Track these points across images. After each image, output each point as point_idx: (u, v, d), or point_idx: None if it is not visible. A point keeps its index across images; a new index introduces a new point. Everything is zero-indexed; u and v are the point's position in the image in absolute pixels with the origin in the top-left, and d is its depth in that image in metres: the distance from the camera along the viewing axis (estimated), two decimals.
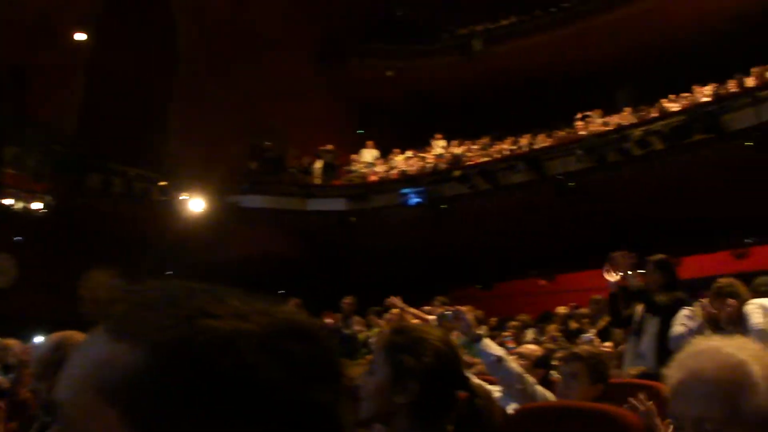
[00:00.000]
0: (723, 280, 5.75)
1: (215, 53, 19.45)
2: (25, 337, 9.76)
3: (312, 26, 21.49)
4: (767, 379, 1.52)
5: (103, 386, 0.69)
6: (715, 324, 5.09)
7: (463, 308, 4.33)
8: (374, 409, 2.23)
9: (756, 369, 1.53)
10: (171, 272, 15.92)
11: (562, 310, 11.33)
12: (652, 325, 5.81)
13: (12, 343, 7.46)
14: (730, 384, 1.51)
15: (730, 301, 5.30)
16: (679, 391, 1.58)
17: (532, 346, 5.11)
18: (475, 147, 20.03)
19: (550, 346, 6.02)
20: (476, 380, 4.30)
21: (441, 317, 4.31)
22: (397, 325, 2.48)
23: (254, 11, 19.73)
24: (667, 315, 5.67)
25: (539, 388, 4.12)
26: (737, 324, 5.31)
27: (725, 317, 5.24)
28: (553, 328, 10.15)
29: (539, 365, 4.65)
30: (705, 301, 5.74)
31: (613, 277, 6.07)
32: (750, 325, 5.54)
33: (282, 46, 20.52)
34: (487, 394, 2.24)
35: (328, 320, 11.09)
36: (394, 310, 8.69)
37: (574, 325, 10.29)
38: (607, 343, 7.66)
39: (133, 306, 0.74)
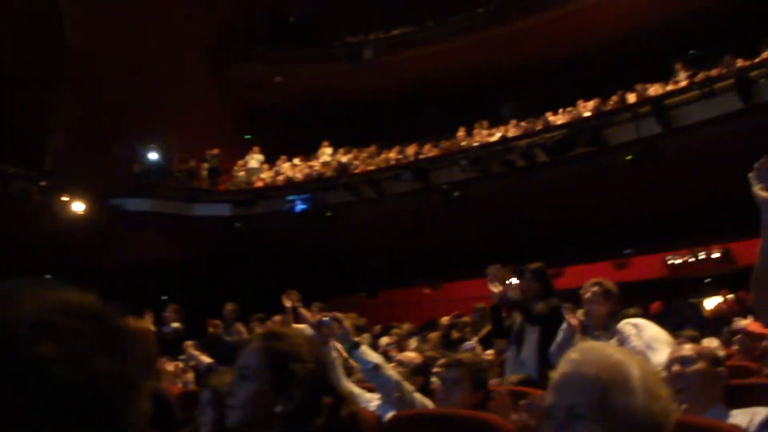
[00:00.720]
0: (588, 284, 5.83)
1: (103, 50, 18.94)
2: None
3: (204, 28, 21.18)
4: (644, 383, 1.55)
5: None
6: (584, 330, 5.18)
7: (340, 315, 4.32)
8: (247, 417, 2.16)
9: (635, 371, 1.57)
10: (49, 276, 15.44)
11: (445, 320, 11.39)
12: (532, 334, 5.90)
13: None
14: (607, 378, 1.55)
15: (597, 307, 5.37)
16: (559, 383, 1.61)
17: (411, 354, 5.11)
18: (362, 155, 20.09)
19: (430, 354, 6.03)
20: (349, 386, 4.31)
21: (319, 324, 4.28)
22: (271, 330, 2.42)
23: (146, 8, 19.30)
24: (545, 324, 5.77)
25: (418, 396, 4.13)
26: (606, 329, 5.40)
27: (594, 323, 5.33)
28: (435, 337, 10.20)
29: (418, 373, 4.64)
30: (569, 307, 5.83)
31: (496, 287, 6.13)
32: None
33: (172, 47, 20.15)
34: (354, 400, 2.21)
35: (211, 327, 10.92)
36: (276, 318, 8.64)
37: (456, 333, 10.35)
38: (488, 351, 7.75)
39: None
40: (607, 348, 1.69)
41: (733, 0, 16.93)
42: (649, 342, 5.79)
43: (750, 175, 2.12)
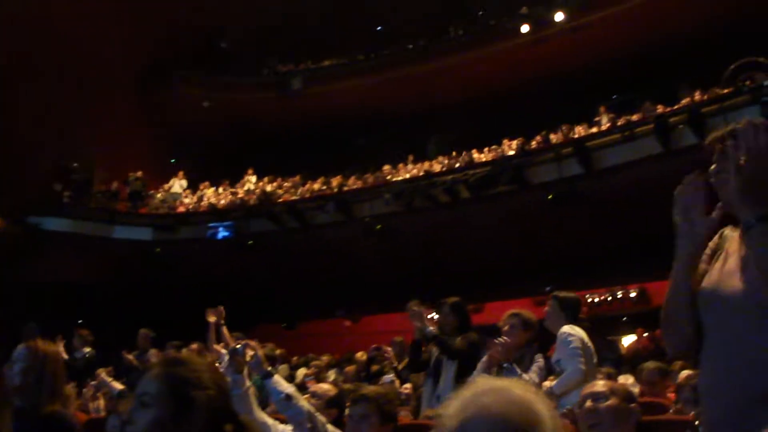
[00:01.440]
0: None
1: (27, 62, 18.54)
2: None
3: (134, 49, 20.91)
4: (552, 419, 1.52)
5: None
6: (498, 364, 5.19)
7: (254, 343, 4.26)
8: None
9: (544, 412, 1.52)
10: None
11: (360, 354, 11.29)
12: (449, 368, 5.89)
13: None
14: (519, 420, 1.48)
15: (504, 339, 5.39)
16: (467, 428, 1.51)
17: (325, 386, 5.04)
18: (287, 184, 20.03)
19: (345, 386, 5.98)
20: (263, 416, 4.24)
21: (232, 352, 4.21)
22: (172, 356, 2.34)
23: (75, 25, 18.96)
24: (463, 358, 5.77)
25: (330, 428, 4.08)
26: (521, 360, 5.44)
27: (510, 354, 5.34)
28: (352, 370, 10.15)
29: (332, 405, 4.60)
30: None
31: (418, 322, 6.13)
32: (568, 342, 5.59)
33: (99, 68, 19.86)
34: (256, 429, 2.15)
35: (127, 355, 10.70)
36: (194, 345, 8.52)
37: (375, 367, 10.32)
38: (406, 385, 7.74)
39: None
40: (509, 387, 1.56)
41: (656, 48, 17.40)
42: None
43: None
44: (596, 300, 16.82)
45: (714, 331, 2.17)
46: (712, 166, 2.24)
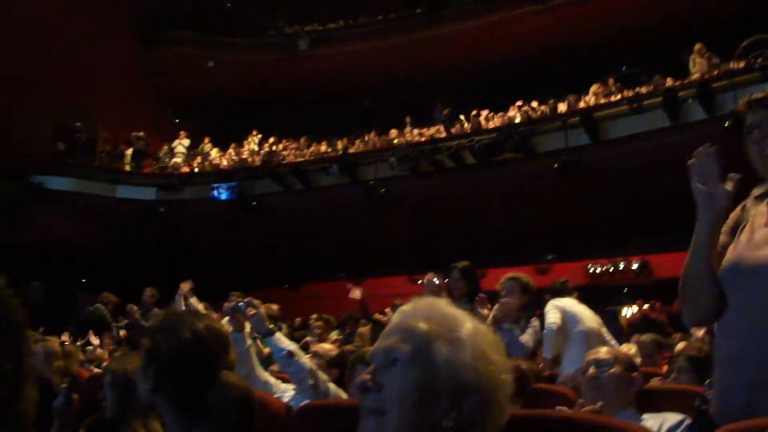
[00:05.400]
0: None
1: (24, 22, 18.42)
2: None
3: (134, 8, 20.82)
4: (473, 341, 1.53)
5: None
6: (494, 322, 5.25)
7: (256, 301, 4.25)
8: (141, 397, 2.15)
9: (466, 327, 1.56)
10: None
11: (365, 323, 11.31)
12: None
13: None
14: (431, 328, 1.53)
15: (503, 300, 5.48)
16: (386, 331, 1.60)
17: (327, 346, 5.06)
18: (292, 146, 19.97)
19: (346, 347, 5.99)
20: (265, 375, 4.25)
21: (234, 309, 4.20)
22: (161, 312, 2.36)
23: None
24: None
25: (332, 386, 4.09)
26: (517, 321, 5.54)
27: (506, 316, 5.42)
28: (365, 330, 10.17)
29: (334, 365, 4.60)
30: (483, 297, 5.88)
31: (432, 293, 6.13)
32: (546, 324, 5.89)
33: (101, 26, 19.75)
34: (247, 388, 2.14)
35: (130, 313, 10.75)
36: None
37: (379, 330, 10.35)
38: None
39: None
40: (442, 303, 1.64)
41: (666, 20, 17.26)
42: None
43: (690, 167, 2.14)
44: (598, 270, 16.84)
45: (740, 303, 2.14)
46: (754, 131, 2.20)
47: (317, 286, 19.64)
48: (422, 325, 1.54)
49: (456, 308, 1.64)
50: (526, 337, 5.46)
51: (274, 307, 8.88)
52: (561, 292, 6.79)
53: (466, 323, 1.57)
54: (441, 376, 1.48)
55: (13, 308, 0.74)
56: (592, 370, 3.25)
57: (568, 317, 6.25)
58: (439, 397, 1.47)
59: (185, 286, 8.85)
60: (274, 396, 3.79)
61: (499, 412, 1.52)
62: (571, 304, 6.48)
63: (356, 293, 7.80)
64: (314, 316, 10.76)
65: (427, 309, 1.60)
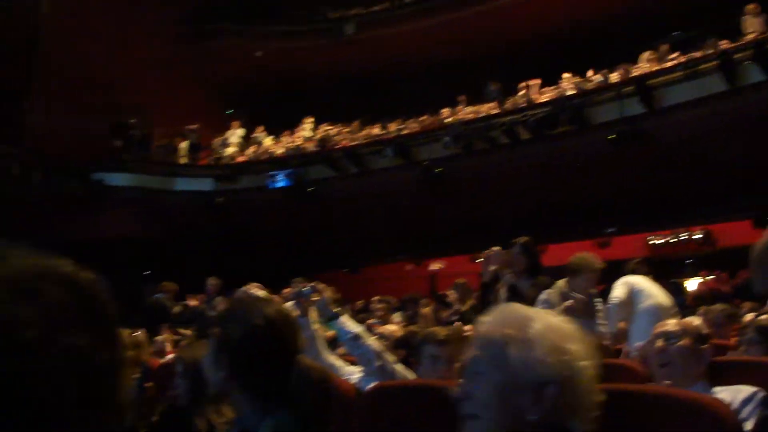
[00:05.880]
0: (573, 257, 5.90)
1: (77, 25, 18.75)
2: None
3: (180, 3, 21.02)
4: (544, 337, 1.65)
5: None
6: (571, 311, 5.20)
7: (321, 285, 4.28)
8: (211, 385, 2.20)
9: (536, 327, 1.68)
10: None
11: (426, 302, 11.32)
12: None
13: None
14: (505, 334, 1.67)
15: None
16: (471, 341, 1.78)
17: (392, 327, 5.09)
18: (345, 130, 19.99)
19: (412, 328, 6.00)
20: (331, 359, 4.27)
21: (298, 294, 4.23)
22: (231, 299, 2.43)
23: None
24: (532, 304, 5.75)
25: (399, 367, 4.10)
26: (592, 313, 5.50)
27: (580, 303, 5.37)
28: (428, 311, 10.18)
29: (400, 346, 4.62)
30: (562, 282, 5.83)
31: (492, 267, 6.12)
32: (609, 299, 5.86)
33: (149, 22, 20.01)
34: (323, 371, 2.17)
35: (193, 302, 10.90)
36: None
37: (444, 310, 10.37)
38: (467, 327, 7.74)
39: None
40: (516, 307, 1.81)
41: None
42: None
43: None
44: (659, 242, 16.65)
45: None
46: None
47: (376, 268, 19.71)
48: (496, 332, 1.69)
49: (529, 309, 1.80)
50: (603, 329, 5.46)
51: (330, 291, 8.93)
52: (635, 272, 6.72)
53: (536, 322, 1.69)
54: (518, 375, 1.62)
55: (106, 300, 0.76)
56: (660, 342, 3.21)
57: (635, 292, 6.18)
58: (520, 395, 1.61)
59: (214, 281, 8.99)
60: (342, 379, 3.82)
61: (583, 395, 1.63)
62: (640, 280, 6.40)
63: (436, 265, 7.87)
64: (375, 298, 10.80)
65: (501, 315, 1.76)
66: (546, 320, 1.71)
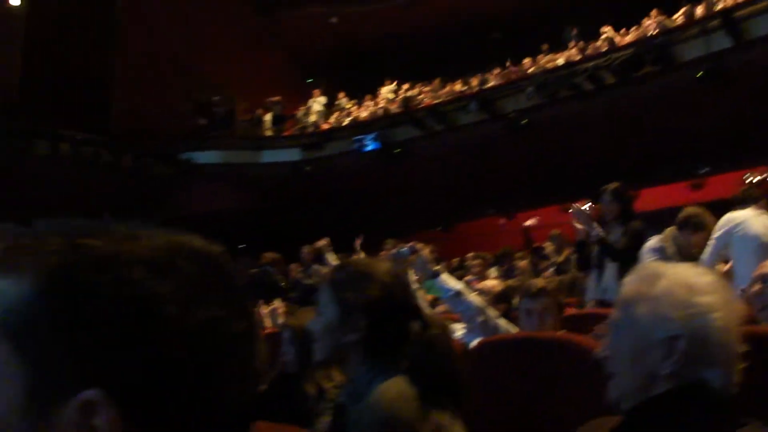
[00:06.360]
0: (690, 209, 5.74)
1: (154, 7, 19.07)
2: None
3: None
4: (668, 293, 1.66)
5: None
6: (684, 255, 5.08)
7: (419, 245, 4.26)
8: (326, 349, 2.19)
9: (662, 283, 1.69)
10: None
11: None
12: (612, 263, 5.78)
13: None
14: (634, 291, 1.72)
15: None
16: (627, 311, 1.73)
17: (491, 282, 5.06)
18: (426, 89, 19.89)
19: (510, 282, 5.97)
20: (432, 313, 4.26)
21: (396, 255, 4.23)
22: (340, 262, 2.42)
23: None
24: (627, 257, 5.62)
25: (502, 321, 4.07)
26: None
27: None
28: (525, 264, 10.13)
29: (500, 300, 4.59)
30: (671, 230, 5.70)
31: (580, 225, 6.00)
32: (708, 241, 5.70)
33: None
34: (443, 326, 2.17)
35: (294, 270, 11.03)
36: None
37: (542, 262, 10.32)
38: (563, 277, 7.68)
39: (15, 242, 0.72)
40: (652, 265, 1.82)
41: None
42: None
43: None
44: (756, 179, 16.17)
45: None
46: None
47: (468, 225, 19.67)
48: (629, 291, 1.74)
49: (660, 265, 1.80)
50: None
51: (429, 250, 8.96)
52: (744, 202, 6.38)
53: (664, 279, 1.69)
54: (648, 332, 1.64)
55: (234, 273, 0.79)
56: (757, 286, 3.12)
57: (736, 228, 5.92)
58: (651, 351, 1.64)
59: (323, 243, 9.18)
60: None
61: (717, 346, 1.62)
62: (742, 215, 6.07)
63: (532, 221, 7.82)
64: (470, 254, 10.78)
65: (636, 274, 1.78)
66: (675, 275, 1.70)
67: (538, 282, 4.08)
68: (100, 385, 0.65)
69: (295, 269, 10.90)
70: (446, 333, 2.17)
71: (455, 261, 12.32)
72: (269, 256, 10.86)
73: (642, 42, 15.85)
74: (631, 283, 1.75)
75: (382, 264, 2.24)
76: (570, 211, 6.11)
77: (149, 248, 0.72)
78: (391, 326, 2.12)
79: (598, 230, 5.87)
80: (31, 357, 0.66)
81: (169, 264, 0.72)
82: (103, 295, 0.67)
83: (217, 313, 0.73)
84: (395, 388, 1.98)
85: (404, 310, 2.16)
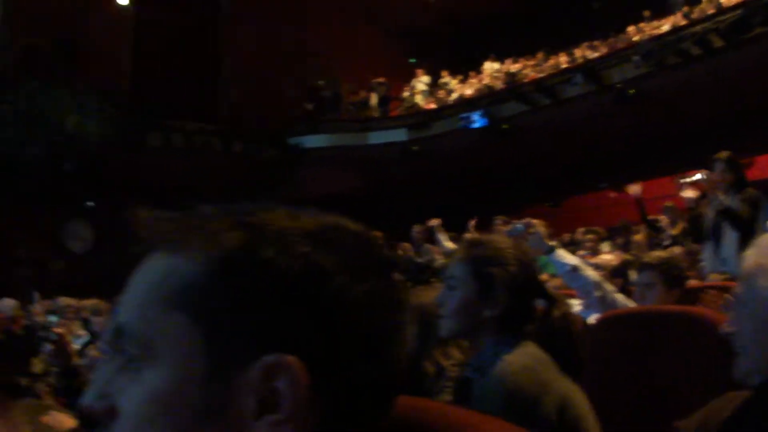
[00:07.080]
0: None
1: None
2: None
3: None
4: None
5: (168, 297, 0.74)
6: None
7: (534, 221, 4.25)
8: (458, 325, 2.23)
9: None
10: None
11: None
12: (731, 231, 5.64)
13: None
14: (755, 266, 1.62)
15: None
16: (750, 283, 1.64)
17: (607, 256, 5.03)
18: (530, 63, 19.67)
19: (626, 256, 5.89)
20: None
21: (511, 232, 4.22)
22: (474, 238, 2.45)
23: None
24: (748, 226, 5.50)
25: (619, 296, 4.04)
26: None
27: None
28: (641, 237, 9.98)
29: (617, 275, 4.55)
30: None
31: (688, 194, 5.89)
32: None
33: None
34: (566, 303, 2.19)
35: (399, 250, 11.10)
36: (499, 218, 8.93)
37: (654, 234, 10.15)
38: (679, 249, 7.54)
39: (182, 223, 0.78)
40: None
41: None
42: None
43: None
44: None
45: None
46: None
47: (579, 199, 19.42)
48: (751, 265, 1.63)
49: None
50: None
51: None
52: None
53: None
54: (763, 308, 1.57)
55: (384, 247, 0.85)
56: None
57: None
58: None
59: (434, 222, 9.32)
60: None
61: None
62: None
63: (635, 188, 7.62)
64: (581, 229, 10.66)
65: (757, 246, 1.68)
66: None
67: (653, 255, 4.03)
68: (279, 351, 0.71)
69: (405, 248, 10.96)
70: (570, 311, 2.19)
71: (567, 236, 12.20)
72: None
73: (750, 2, 15.32)
74: (752, 256, 1.65)
75: (508, 241, 2.27)
76: (686, 180, 6.01)
77: (312, 225, 0.78)
78: (525, 301, 2.16)
79: (717, 198, 5.76)
80: (211, 328, 0.72)
81: (332, 239, 0.78)
82: (277, 268, 0.73)
83: (376, 285, 0.78)
84: (520, 361, 2.01)
85: (535, 287, 2.21)
